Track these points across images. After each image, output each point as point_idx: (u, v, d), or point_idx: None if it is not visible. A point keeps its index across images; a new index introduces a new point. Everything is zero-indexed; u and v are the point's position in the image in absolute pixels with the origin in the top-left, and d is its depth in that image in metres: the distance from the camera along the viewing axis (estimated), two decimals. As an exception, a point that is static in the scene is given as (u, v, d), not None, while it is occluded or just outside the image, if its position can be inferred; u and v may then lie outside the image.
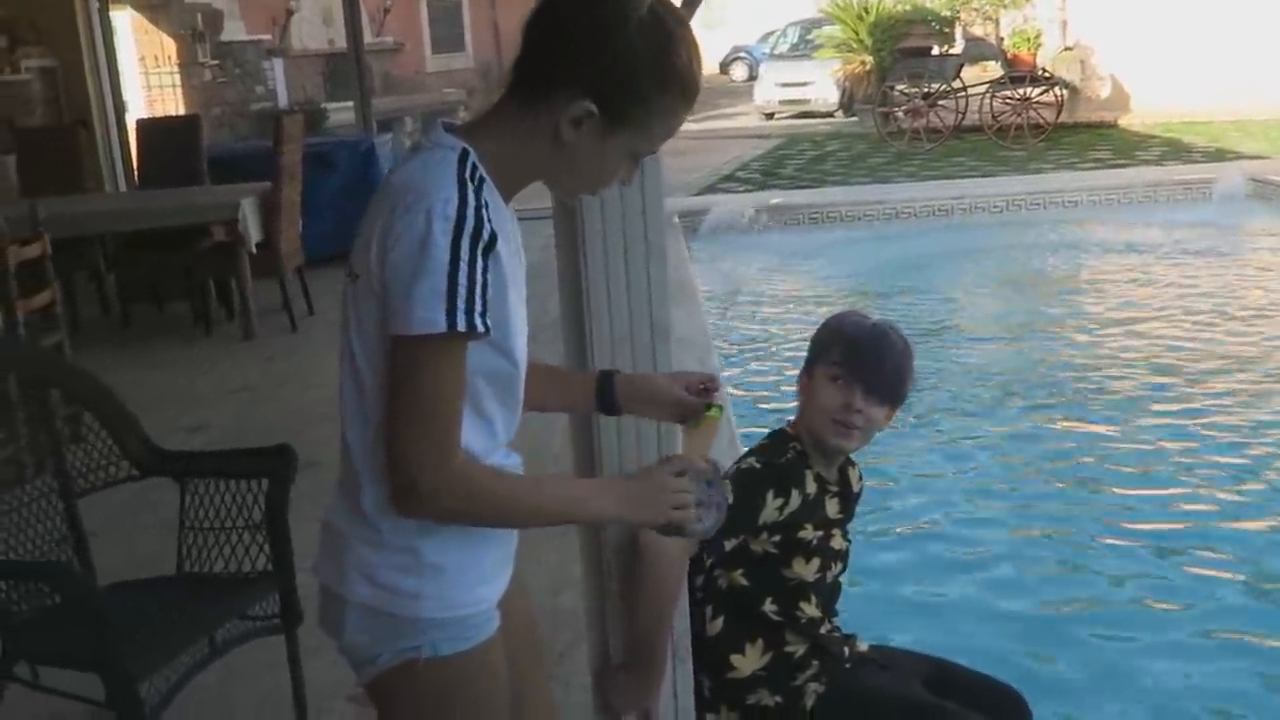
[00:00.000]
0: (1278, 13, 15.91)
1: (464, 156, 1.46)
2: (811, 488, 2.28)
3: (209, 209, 6.92)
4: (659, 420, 2.06)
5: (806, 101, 21.10)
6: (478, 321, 1.39)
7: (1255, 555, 4.23)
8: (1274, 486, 4.81)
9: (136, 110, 11.36)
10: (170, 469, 2.85)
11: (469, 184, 1.43)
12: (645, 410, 1.92)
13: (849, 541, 2.40)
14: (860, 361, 2.25)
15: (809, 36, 22.32)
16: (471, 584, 1.56)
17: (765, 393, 6.35)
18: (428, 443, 1.42)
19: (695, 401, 1.86)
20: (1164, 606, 3.93)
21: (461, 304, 1.37)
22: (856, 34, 18.49)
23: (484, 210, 1.42)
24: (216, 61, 15.41)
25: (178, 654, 2.45)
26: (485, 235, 1.40)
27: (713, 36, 32.72)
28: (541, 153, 1.51)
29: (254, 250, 6.71)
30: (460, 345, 1.42)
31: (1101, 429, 5.55)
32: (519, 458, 1.65)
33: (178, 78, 14.22)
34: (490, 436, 1.55)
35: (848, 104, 20.34)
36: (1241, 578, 4.08)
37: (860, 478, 2.45)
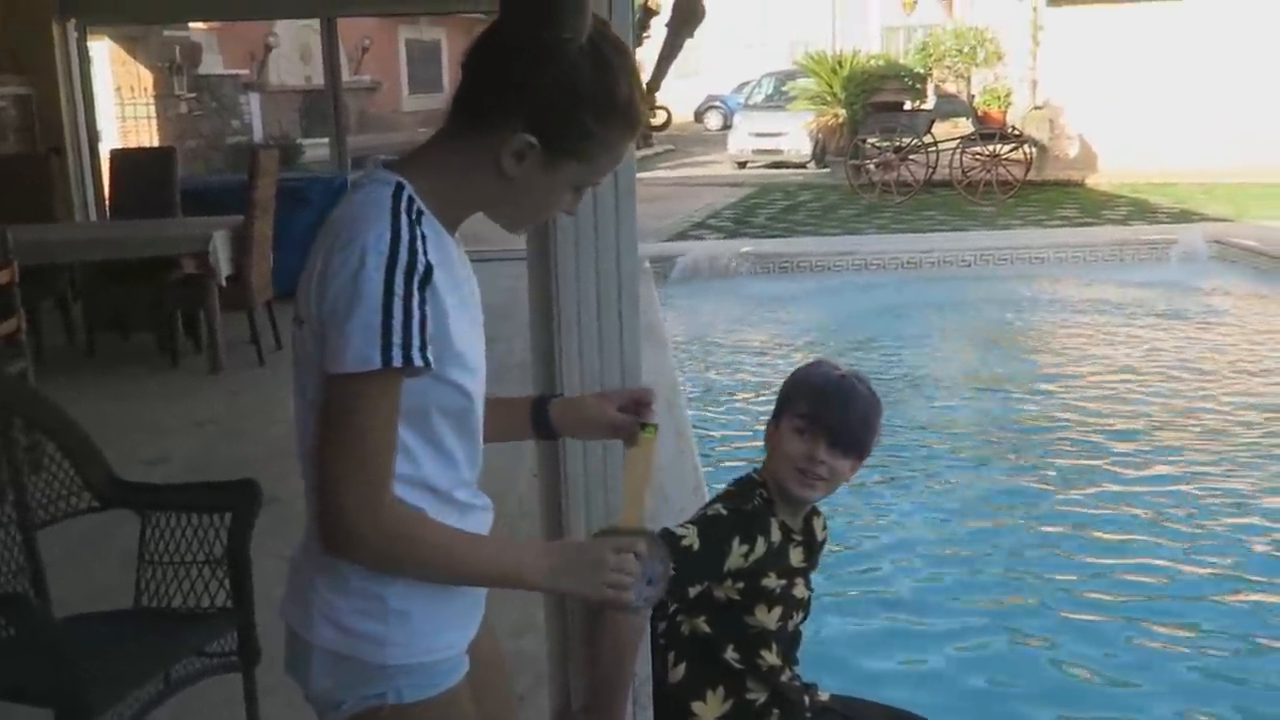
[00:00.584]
0: (1243, 79, 16.27)
1: (399, 191, 1.44)
2: (776, 536, 2.28)
3: (180, 241, 6.89)
4: (597, 440, 2.05)
5: (779, 152, 21.32)
6: (415, 356, 1.37)
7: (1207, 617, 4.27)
8: (1235, 550, 4.85)
9: (111, 140, 11.33)
10: (132, 501, 2.82)
11: (404, 217, 1.41)
12: (580, 432, 1.92)
13: (811, 590, 2.40)
14: (826, 412, 2.26)
15: (783, 88, 22.60)
16: (439, 629, 1.54)
17: (731, 438, 6.37)
18: (358, 483, 1.39)
19: (628, 420, 1.84)
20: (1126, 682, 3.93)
21: (397, 339, 1.35)
22: (830, 87, 18.74)
23: (419, 243, 1.40)
24: (193, 94, 15.43)
25: (133, 690, 2.42)
26: (420, 268, 1.38)
27: (688, 85, 33.05)
28: (483, 185, 1.50)
29: (224, 283, 6.69)
30: (394, 382, 1.39)
31: (1056, 487, 5.60)
32: (488, 500, 1.64)
33: (153, 109, 14.23)
34: (454, 470, 1.54)
35: (820, 156, 20.56)
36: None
37: (825, 527, 2.46)
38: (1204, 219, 13.01)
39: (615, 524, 1.73)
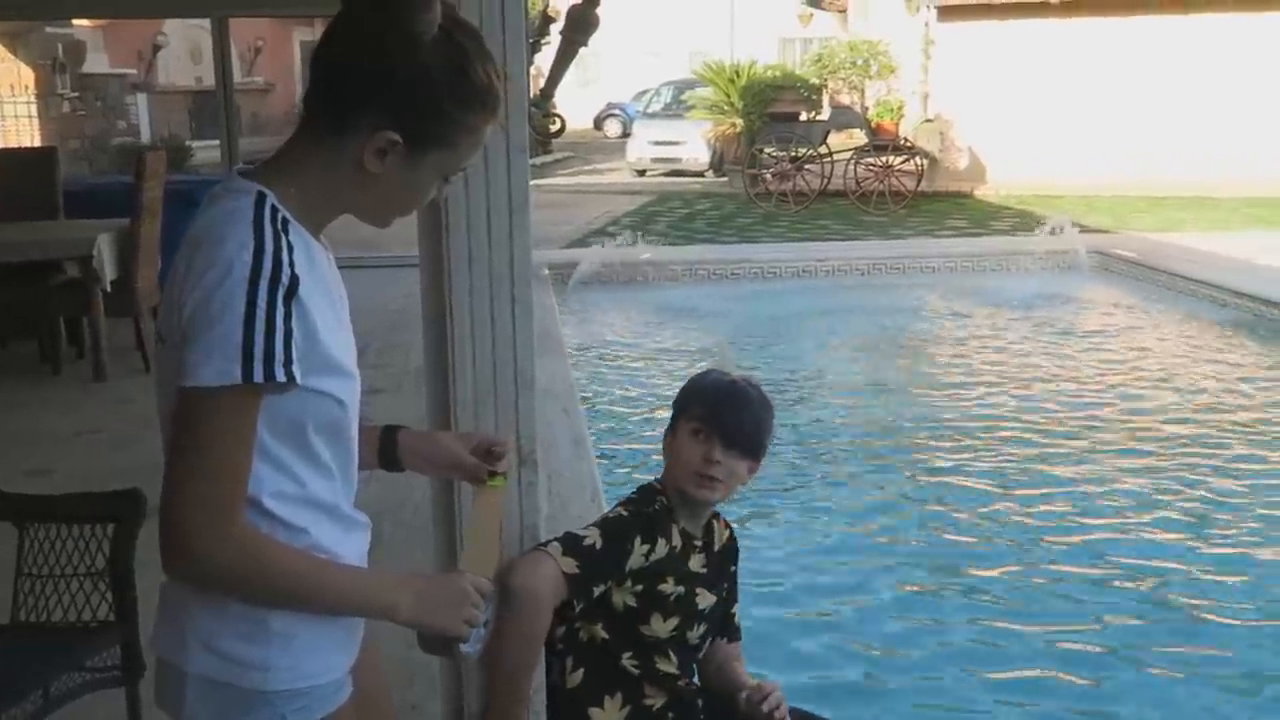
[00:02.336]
0: (1124, 94, 16.86)
1: (260, 201, 1.40)
2: (677, 540, 2.32)
3: (63, 244, 6.69)
4: (442, 478, 2.02)
5: (678, 160, 21.49)
6: (278, 371, 1.32)
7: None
8: (1100, 550, 5.01)
9: (-12, 139, 10.96)
10: (8, 512, 2.73)
11: (268, 228, 1.37)
12: (425, 469, 1.87)
13: (718, 598, 2.43)
14: (719, 415, 2.32)
15: (682, 97, 22.80)
16: (322, 652, 1.49)
17: (629, 444, 6.39)
18: (205, 503, 1.33)
19: (474, 464, 1.81)
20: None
21: (259, 353, 1.31)
22: (728, 97, 18.94)
23: (284, 254, 1.36)
24: (77, 93, 15.00)
25: (11, 706, 2.34)
26: (285, 280, 1.34)
27: (587, 93, 33.16)
28: (347, 186, 1.47)
29: (109, 288, 6.51)
30: (254, 398, 1.35)
31: (948, 482, 5.75)
32: (366, 518, 1.61)
33: (35, 108, 13.80)
34: (330, 481, 1.50)
35: (718, 164, 20.78)
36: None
37: (731, 537, 2.51)
38: (1085, 230, 13.44)
39: (459, 568, 1.69)
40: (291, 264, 1.36)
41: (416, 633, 1.57)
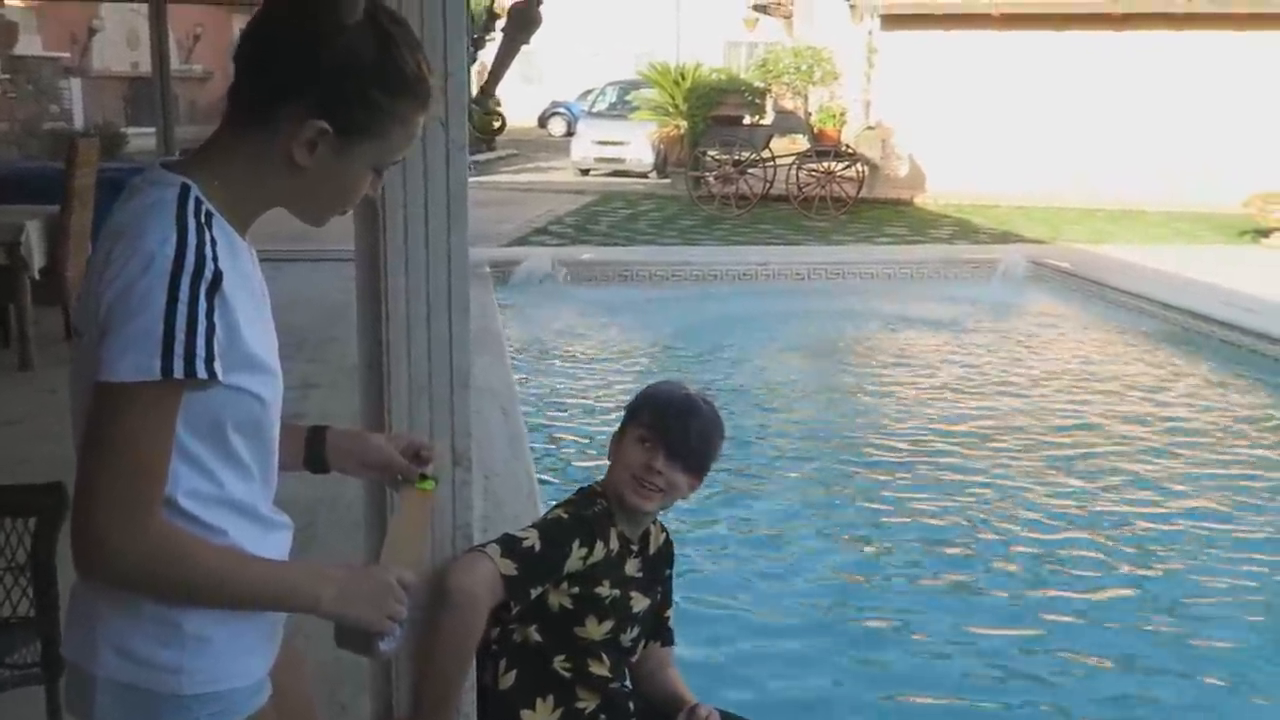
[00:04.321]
0: (1061, 107, 17.15)
1: (184, 194, 1.37)
2: (615, 544, 2.32)
3: (-11, 230, 6.53)
4: (368, 479, 1.97)
5: (622, 161, 21.47)
6: (199, 367, 1.30)
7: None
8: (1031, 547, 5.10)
9: (-86, 121, 10.68)
10: (-74, 504, 2.66)
11: (190, 221, 1.34)
12: (354, 470, 1.82)
13: (651, 601, 2.43)
14: (666, 425, 2.32)
15: (627, 98, 22.81)
16: (239, 654, 1.46)
17: (567, 445, 6.37)
18: (119, 500, 1.30)
19: (405, 465, 1.78)
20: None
21: (180, 348, 1.28)
22: (673, 99, 18.98)
23: (207, 248, 1.33)
24: (8, 76, 14.67)
25: (-78, 704, 2.28)
26: (208, 274, 1.31)
27: (531, 91, 33.06)
28: (276, 179, 1.44)
29: (37, 276, 6.37)
30: (173, 394, 1.31)
31: (883, 484, 5.81)
32: (287, 518, 1.58)
33: (-37, 89, 13.47)
34: (249, 482, 1.46)
35: (662, 166, 20.81)
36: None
37: (666, 541, 2.51)
38: (1021, 240, 13.65)
39: (380, 561, 1.65)
40: (215, 258, 1.34)
41: (335, 626, 1.52)
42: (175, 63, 14.54)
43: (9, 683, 2.52)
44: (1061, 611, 4.53)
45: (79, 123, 15.92)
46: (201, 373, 1.30)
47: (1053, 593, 4.71)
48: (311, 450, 1.76)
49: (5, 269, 6.46)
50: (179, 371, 1.29)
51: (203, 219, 1.36)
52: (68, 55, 18.41)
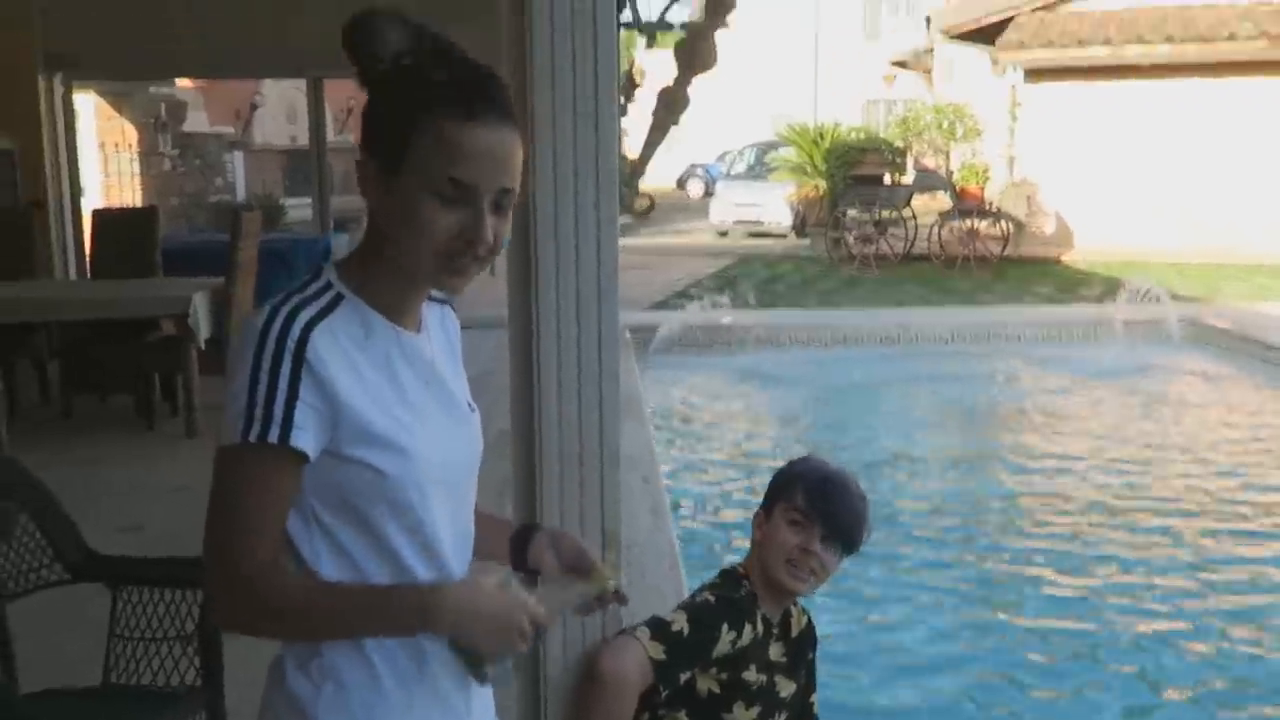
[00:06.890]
0: (1217, 159, 16.55)
1: (309, 280, 1.45)
2: (760, 628, 2.29)
3: (160, 302, 6.87)
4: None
5: (760, 222, 21.50)
6: (272, 432, 1.35)
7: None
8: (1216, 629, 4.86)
9: (94, 195, 11.34)
10: (104, 574, 2.80)
11: (297, 304, 1.40)
12: (546, 564, 1.67)
13: (797, 685, 2.39)
14: (821, 506, 2.30)
15: (765, 158, 22.87)
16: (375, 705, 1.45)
17: (709, 514, 6.34)
18: (221, 549, 1.40)
19: (595, 557, 1.68)
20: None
21: (259, 415, 1.36)
22: (811, 159, 18.97)
23: (296, 328, 1.37)
24: (177, 151, 15.48)
25: (98, 771, 2.38)
26: (290, 348, 1.36)
27: (670, 152, 33.41)
28: (378, 239, 1.46)
29: (203, 346, 6.67)
30: (257, 457, 1.37)
31: (1035, 568, 5.61)
32: None
33: (137, 165, 14.26)
34: (401, 577, 1.45)
35: (800, 226, 20.76)
36: None
37: (809, 623, 2.47)
38: (1177, 299, 13.15)
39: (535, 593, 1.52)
40: (313, 338, 1.38)
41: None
42: (331, 135, 15.15)
43: (176, 750, 2.62)
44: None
45: (240, 194, 16.70)
46: (273, 438, 1.36)
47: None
48: (517, 548, 1.69)
49: (174, 340, 6.78)
50: (254, 436, 1.36)
51: (324, 302, 1.42)
52: (231, 130, 19.36)
